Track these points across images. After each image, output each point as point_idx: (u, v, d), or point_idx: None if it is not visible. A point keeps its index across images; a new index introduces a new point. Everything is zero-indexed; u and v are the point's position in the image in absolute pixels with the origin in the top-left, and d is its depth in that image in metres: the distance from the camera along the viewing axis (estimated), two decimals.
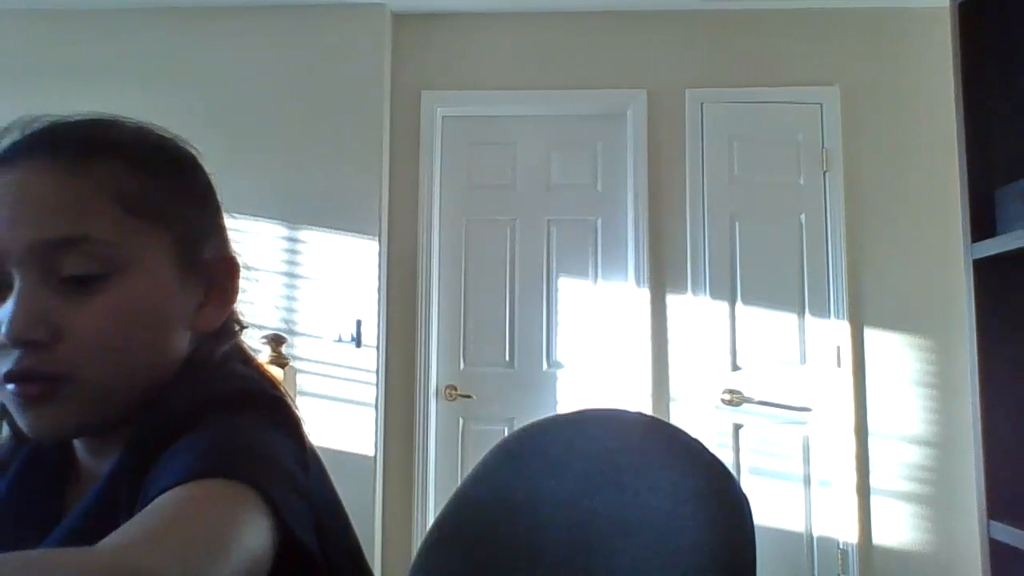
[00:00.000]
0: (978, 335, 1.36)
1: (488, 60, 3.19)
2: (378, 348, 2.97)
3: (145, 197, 0.58)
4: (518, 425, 1.94)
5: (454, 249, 3.16)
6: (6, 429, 0.65)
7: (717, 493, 0.76)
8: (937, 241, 2.96)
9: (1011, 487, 1.33)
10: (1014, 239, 1.25)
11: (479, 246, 3.16)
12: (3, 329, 0.53)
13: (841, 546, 2.90)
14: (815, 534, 2.91)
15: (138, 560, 0.39)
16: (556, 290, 3.13)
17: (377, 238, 3.00)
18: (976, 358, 1.36)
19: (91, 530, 0.48)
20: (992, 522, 1.31)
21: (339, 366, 2.95)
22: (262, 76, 3.11)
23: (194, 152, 0.66)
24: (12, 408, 0.56)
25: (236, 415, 0.57)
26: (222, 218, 0.68)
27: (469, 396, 3.07)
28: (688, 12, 3.16)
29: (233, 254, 0.67)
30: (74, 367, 0.54)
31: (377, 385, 2.96)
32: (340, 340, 2.94)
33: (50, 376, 0.54)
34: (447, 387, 3.08)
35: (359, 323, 2.95)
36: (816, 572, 2.90)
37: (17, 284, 0.54)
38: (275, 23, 3.12)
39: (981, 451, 1.34)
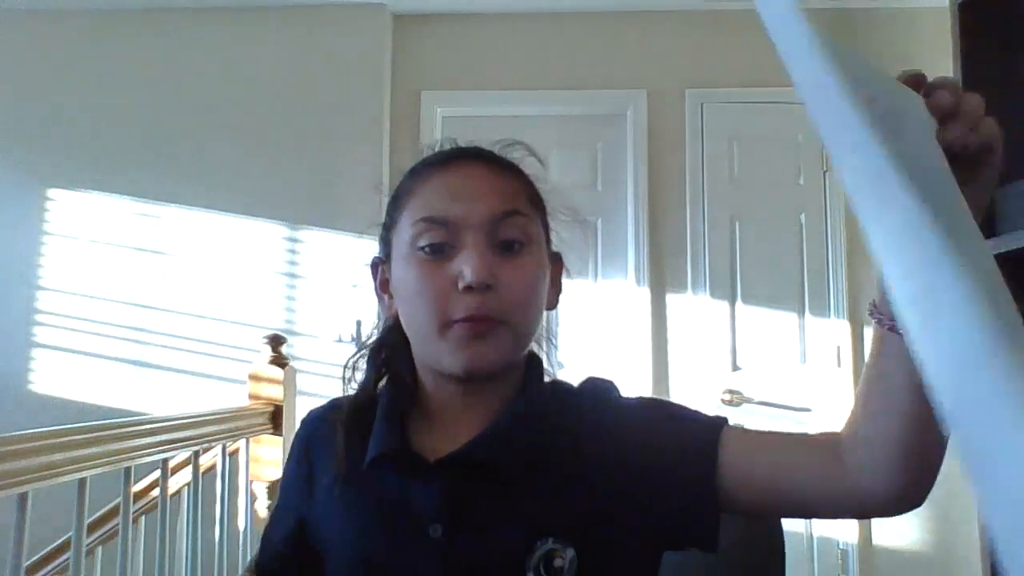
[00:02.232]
0: None
1: (488, 60, 3.19)
2: None
3: (535, 195, 0.78)
4: None
5: None
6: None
7: None
8: None
9: None
10: (1014, 239, 1.25)
11: None
12: (468, 275, 0.67)
13: (841, 546, 2.90)
14: (815, 534, 2.91)
15: None
16: None
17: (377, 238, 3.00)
18: None
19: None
20: None
21: (339, 366, 2.93)
22: (262, 76, 3.11)
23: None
24: (453, 347, 0.69)
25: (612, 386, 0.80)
26: None
27: None
28: (688, 12, 3.16)
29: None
30: (507, 314, 0.70)
31: None
32: (340, 340, 2.94)
33: (495, 317, 0.69)
34: None
35: (359, 323, 2.95)
36: (816, 572, 2.90)
37: (472, 245, 0.69)
38: (275, 23, 3.12)
39: None
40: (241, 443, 2.05)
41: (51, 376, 3.04)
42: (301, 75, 3.10)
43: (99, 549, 1.90)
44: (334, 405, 0.86)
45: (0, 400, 2.97)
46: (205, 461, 1.94)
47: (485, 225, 0.70)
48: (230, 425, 1.93)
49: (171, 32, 3.15)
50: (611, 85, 3.16)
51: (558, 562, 0.67)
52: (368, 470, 0.72)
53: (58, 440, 1.32)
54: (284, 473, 0.86)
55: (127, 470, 1.54)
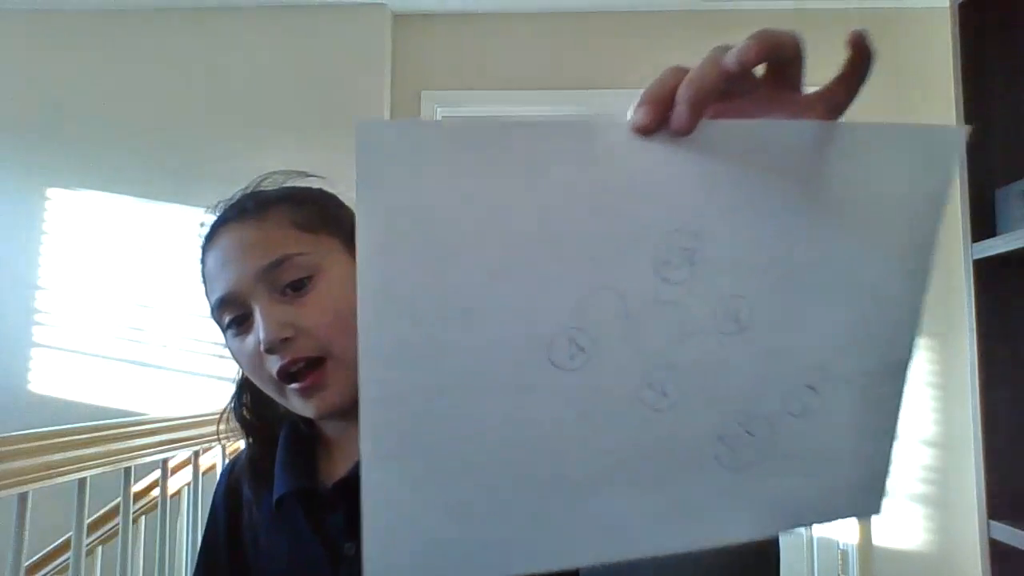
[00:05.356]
0: (978, 335, 1.36)
1: (488, 60, 3.19)
2: None
3: (309, 218, 0.76)
4: None
5: None
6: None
7: None
8: (937, 241, 2.96)
9: (1011, 487, 1.33)
10: (1014, 239, 1.25)
11: None
12: (262, 341, 0.69)
13: (841, 547, 2.90)
14: (815, 535, 2.91)
15: None
16: None
17: None
18: (976, 358, 1.36)
19: None
20: (992, 522, 1.31)
21: None
22: (262, 76, 3.11)
23: (321, 180, 0.90)
24: (294, 401, 0.70)
25: None
26: None
27: None
28: (688, 12, 3.16)
29: None
30: (323, 348, 0.68)
31: None
32: None
33: (311, 359, 0.68)
34: None
35: None
36: (816, 572, 2.89)
37: (256, 308, 0.70)
38: (275, 23, 3.12)
39: (981, 451, 1.34)
40: (241, 443, 2.05)
41: (51, 376, 3.03)
42: (301, 75, 3.10)
43: (99, 549, 1.90)
44: (232, 464, 0.91)
45: (0, 400, 2.97)
46: (205, 461, 1.94)
47: (259, 283, 0.70)
48: (230, 425, 1.93)
49: (171, 32, 3.15)
50: (611, 85, 3.16)
51: None
52: (279, 511, 0.75)
53: (58, 440, 1.32)
54: (205, 536, 0.89)
55: (127, 470, 1.54)
